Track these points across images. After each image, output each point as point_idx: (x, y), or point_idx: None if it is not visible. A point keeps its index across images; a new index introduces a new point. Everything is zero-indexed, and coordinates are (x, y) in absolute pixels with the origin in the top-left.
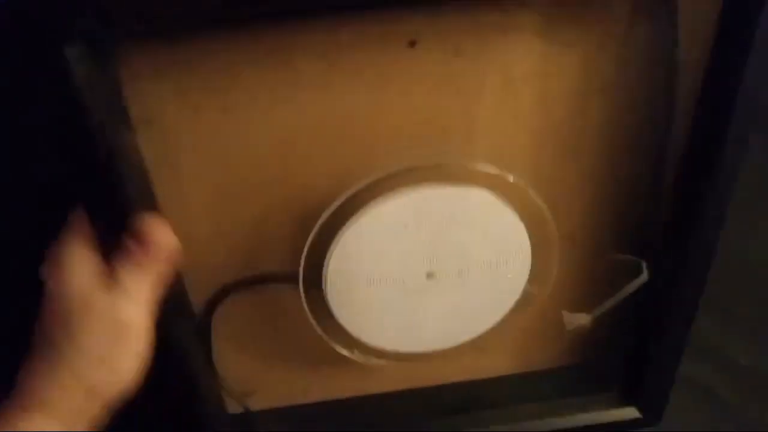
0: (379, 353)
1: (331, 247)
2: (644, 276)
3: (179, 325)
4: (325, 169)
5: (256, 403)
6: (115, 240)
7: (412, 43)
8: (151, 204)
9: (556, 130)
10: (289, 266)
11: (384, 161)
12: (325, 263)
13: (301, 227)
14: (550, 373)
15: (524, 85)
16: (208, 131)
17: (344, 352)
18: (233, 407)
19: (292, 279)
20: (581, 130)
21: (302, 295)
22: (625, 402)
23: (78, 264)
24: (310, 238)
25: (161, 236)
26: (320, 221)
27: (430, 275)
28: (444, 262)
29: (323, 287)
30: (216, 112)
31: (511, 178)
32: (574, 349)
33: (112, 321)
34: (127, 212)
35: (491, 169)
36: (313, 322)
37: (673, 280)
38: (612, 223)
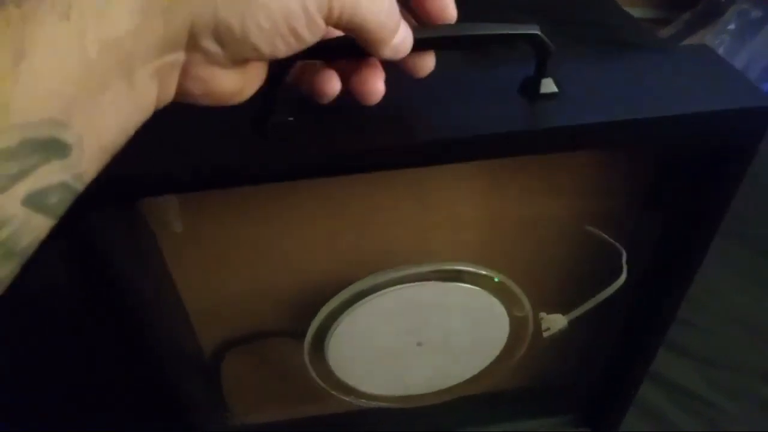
0: (372, 397)
1: (334, 326)
2: (623, 278)
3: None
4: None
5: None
6: None
7: None
8: None
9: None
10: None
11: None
12: (328, 338)
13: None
14: (506, 394)
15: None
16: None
17: (342, 396)
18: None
19: (295, 335)
20: None
21: (306, 360)
22: (580, 424)
23: None
24: (315, 321)
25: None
26: (326, 309)
27: (419, 344)
28: (432, 335)
29: (325, 356)
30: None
31: (489, 274)
32: (531, 372)
33: None
34: None
35: (473, 268)
36: (315, 378)
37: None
38: None
